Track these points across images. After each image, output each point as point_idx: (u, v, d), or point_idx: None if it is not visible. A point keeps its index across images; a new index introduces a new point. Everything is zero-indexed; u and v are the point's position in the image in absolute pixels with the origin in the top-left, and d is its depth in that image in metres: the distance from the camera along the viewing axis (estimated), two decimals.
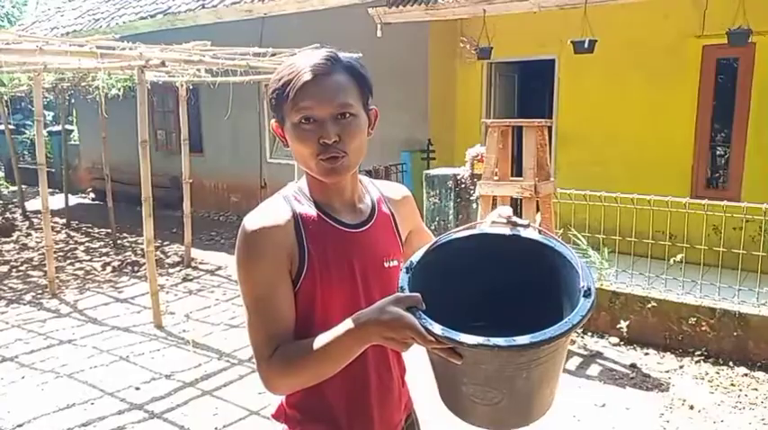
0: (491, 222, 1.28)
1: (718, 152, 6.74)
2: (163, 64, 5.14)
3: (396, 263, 1.35)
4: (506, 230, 1.26)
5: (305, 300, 1.26)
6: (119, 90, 7.81)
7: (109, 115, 8.20)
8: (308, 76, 1.18)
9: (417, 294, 1.08)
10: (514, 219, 1.25)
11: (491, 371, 1.08)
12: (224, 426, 3.44)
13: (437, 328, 1.03)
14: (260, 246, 1.21)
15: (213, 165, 10.00)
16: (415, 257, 1.21)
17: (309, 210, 1.28)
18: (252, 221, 1.23)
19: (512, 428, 1.20)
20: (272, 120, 1.29)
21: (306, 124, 1.20)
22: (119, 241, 8.24)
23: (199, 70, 6.87)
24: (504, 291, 1.25)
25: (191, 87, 7.35)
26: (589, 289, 1.08)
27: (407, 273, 1.16)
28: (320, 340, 1.14)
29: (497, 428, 1.19)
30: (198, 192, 8.34)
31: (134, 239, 8.29)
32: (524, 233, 1.24)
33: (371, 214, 1.35)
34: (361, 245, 1.30)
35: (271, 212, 1.25)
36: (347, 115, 1.21)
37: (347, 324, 1.12)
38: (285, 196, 1.30)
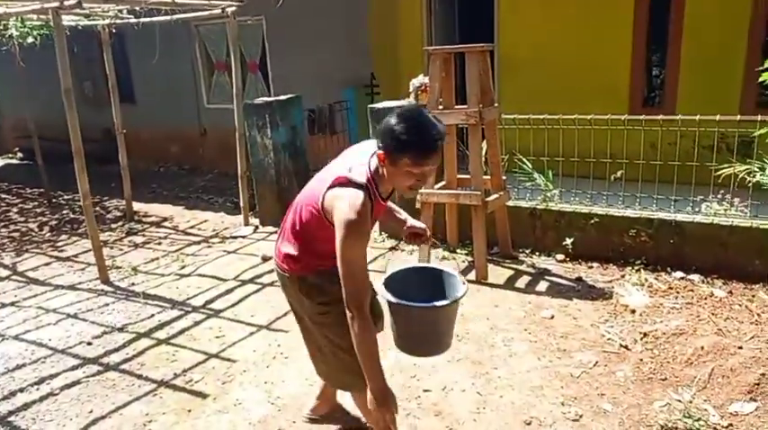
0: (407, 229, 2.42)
1: (654, 73, 6.90)
2: (79, 4, 4.75)
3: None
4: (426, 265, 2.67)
5: None
6: (35, 38, 7.24)
7: (29, 68, 7.63)
8: (428, 156, 1.89)
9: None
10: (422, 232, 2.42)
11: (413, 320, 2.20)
12: (183, 371, 3.42)
13: (390, 297, 2.13)
14: (365, 229, 1.94)
15: (147, 115, 9.54)
16: (385, 277, 2.28)
17: (374, 194, 1.99)
18: (359, 208, 1.89)
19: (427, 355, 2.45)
20: (380, 151, 1.92)
21: (415, 170, 1.90)
22: (54, 200, 7.87)
23: (121, 11, 6.43)
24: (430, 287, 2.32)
25: (113, 31, 6.87)
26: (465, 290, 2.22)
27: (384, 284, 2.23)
28: (374, 350, 2.00)
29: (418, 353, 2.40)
30: (134, 144, 7.94)
31: (70, 197, 7.94)
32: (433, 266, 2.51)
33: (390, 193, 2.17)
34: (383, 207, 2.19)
35: (366, 202, 1.91)
36: (435, 167, 1.97)
37: (379, 367, 2.02)
38: (365, 187, 1.94)
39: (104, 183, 7.92)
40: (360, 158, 2.06)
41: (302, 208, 2.14)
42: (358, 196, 1.90)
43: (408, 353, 2.32)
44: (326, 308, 2.20)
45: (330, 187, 1.98)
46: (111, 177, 7.86)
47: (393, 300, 2.10)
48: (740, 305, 3.71)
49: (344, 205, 1.89)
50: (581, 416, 2.77)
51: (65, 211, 7.38)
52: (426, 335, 2.21)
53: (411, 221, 2.42)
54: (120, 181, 6.83)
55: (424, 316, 2.16)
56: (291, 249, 2.19)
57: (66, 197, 8.05)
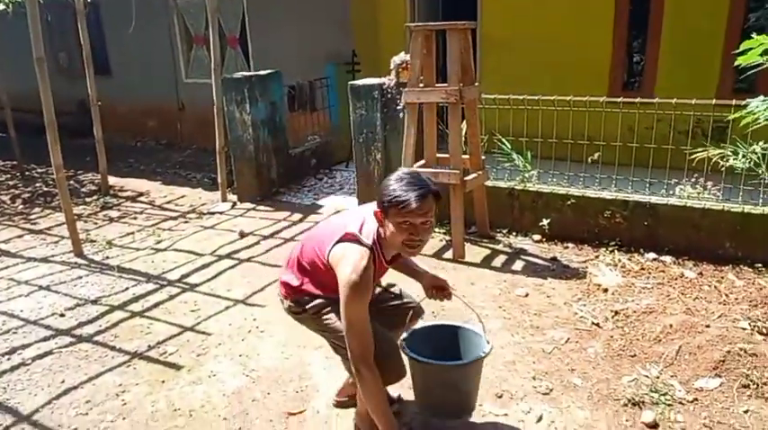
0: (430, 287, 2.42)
1: (634, 59, 6.94)
2: None
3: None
4: (454, 323, 2.49)
5: None
6: (6, 5, 7.02)
7: (1, 37, 7.41)
8: (414, 205, 1.97)
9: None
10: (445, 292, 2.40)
11: (434, 377, 2.24)
12: (157, 343, 3.40)
13: (408, 352, 2.19)
14: (367, 290, 2.04)
15: (124, 88, 9.34)
16: (410, 331, 2.36)
17: (378, 257, 2.13)
18: (362, 271, 2.00)
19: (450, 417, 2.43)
20: (377, 209, 2.06)
21: (405, 225, 2.01)
22: (27, 173, 7.71)
23: None
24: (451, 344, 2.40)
25: (88, 0, 6.69)
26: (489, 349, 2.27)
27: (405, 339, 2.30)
28: (384, 404, 2.13)
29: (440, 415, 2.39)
30: (110, 117, 7.78)
31: (44, 170, 7.77)
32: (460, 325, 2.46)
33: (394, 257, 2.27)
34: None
35: (369, 264, 2.03)
36: (427, 223, 2.03)
37: (391, 418, 2.13)
38: (371, 248, 2.06)
39: (79, 157, 7.77)
40: (372, 217, 2.13)
41: (309, 250, 2.25)
42: (363, 256, 2.02)
43: (430, 414, 2.39)
44: (323, 310, 2.28)
45: (338, 241, 2.09)
46: (86, 151, 7.70)
47: (415, 357, 2.16)
48: (709, 286, 3.80)
49: (349, 266, 2.01)
50: (551, 390, 2.83)
51: (38, 184, 7.23)
52: (447, 394, 2.24)
53: (431, 276, 2.46)
54: (96, 154, 6.69)
55: (445, 373, 2.19)
56: (293, 280, 2.32)
57: (39, 170, 7.88)
